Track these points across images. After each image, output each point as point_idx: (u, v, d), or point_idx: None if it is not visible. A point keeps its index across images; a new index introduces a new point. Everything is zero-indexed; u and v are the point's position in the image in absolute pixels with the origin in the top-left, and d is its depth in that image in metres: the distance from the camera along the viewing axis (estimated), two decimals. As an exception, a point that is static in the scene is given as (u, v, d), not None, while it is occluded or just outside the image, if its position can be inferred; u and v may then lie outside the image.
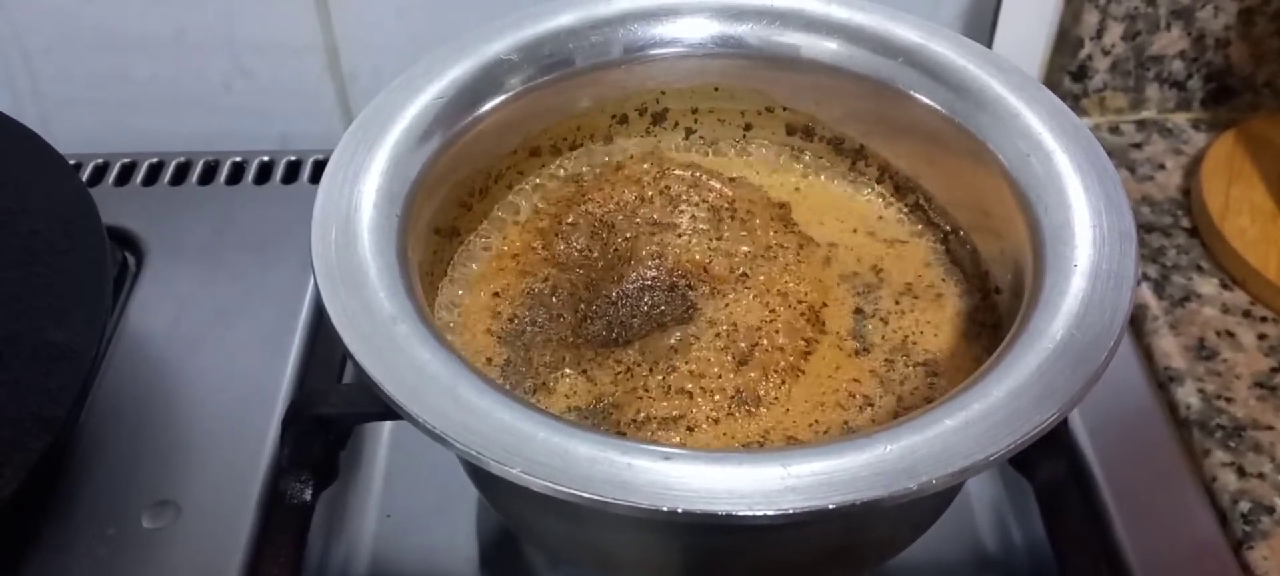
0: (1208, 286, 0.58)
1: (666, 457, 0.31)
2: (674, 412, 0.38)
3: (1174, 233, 0.61)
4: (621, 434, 0.38)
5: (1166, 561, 0.46)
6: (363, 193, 0.38)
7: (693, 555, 0.38)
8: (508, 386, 0.40)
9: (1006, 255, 0.41)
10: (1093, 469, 0.49)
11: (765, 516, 0.30)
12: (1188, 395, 0.53)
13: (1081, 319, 0.34)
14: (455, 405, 0.32)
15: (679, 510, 0.30)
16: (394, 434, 0.54)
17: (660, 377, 0.39)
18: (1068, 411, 0.32)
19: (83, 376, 0.45)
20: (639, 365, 0.40)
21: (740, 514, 0.30)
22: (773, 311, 0.41)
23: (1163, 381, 0.54)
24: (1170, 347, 0.55)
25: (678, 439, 0.38)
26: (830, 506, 0.30)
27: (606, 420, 0.38)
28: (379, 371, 0.33)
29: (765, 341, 0.40)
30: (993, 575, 0.49)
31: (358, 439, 0.53)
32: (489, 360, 0.41)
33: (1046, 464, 0.47)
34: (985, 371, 0.33)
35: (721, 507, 0.30)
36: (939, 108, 0.44)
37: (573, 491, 0.30)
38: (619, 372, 0.40)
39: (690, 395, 0.38)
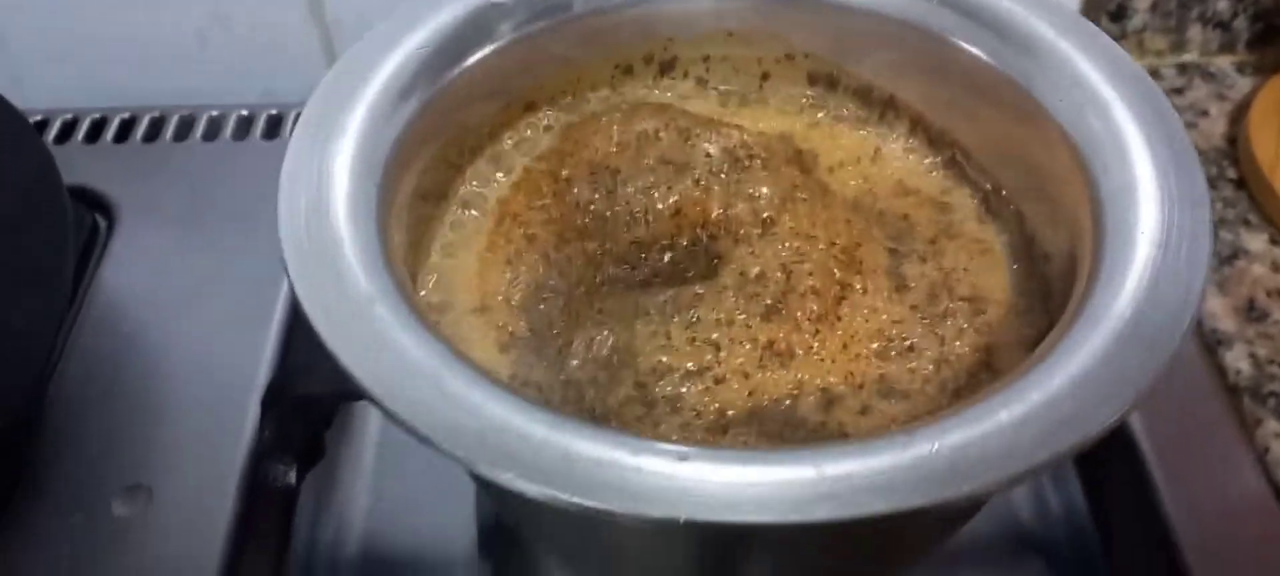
0: (1257, 242, 0.55)
1: (682, 458, 0.28)
2: (700, 365, 0.35)
3: (1219, 185, 0.59)
4: (642, 386, 0.35)
5: (1217, 534, 0.44)
6: (336, 158, 0.35)
7: (708, 561, 0.35)
8: (531, 355, 0.37)
9: (1059, 218, 0.37)
10: (1138, 437, 0.46)
11: (795, 525, 0.27)
12: (1237, 359, 0.50)
13: (1151, 294, 0.31)
14: (441, 398, 0.29)
15: (697, 520, 0.27)
16: (384, 411, 0.52)
17: (684, 329, 0.36)
18: (1141, 402, 0.28)
19: (39, 366, 0.43)
20: (661, 317, 0.37)
21: (766, 521, 0.27)
22: (802, 255, 0.38)
23: (1210, 344, 0.51)
24: (1218, 308, 0.52)
25: (704, 392, 0.35)
26: (871, 515, 0.26)
27: (627, 372, 0.36)
28: (353, 360, 0.30)
29: (797, 286, 0.37)
30: (1030, 548, 0.48)
31: (346, 414, 0.51)
32: (512, 333, 0.38)
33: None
34: (1043, 354, 0.30)
35: (745, 516, 0.27)
36: (981, 54, 0.40)
37: (575, 500, 0.27)
38: (641, 326, 0.37)
39: (717, 347, 0.36)
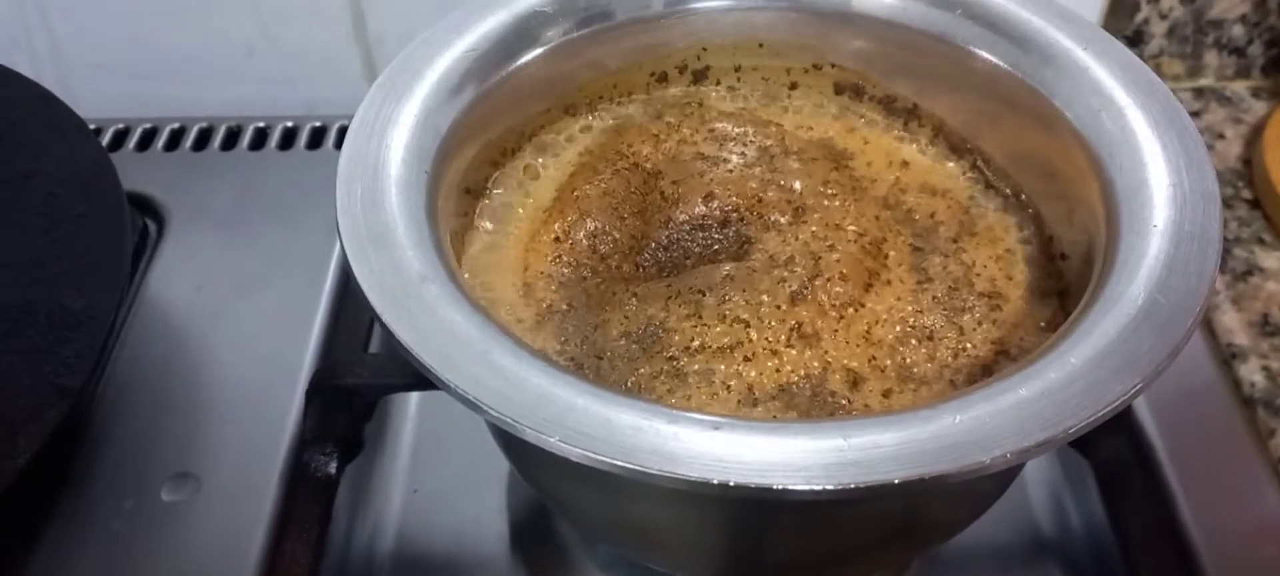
0: (1271, 260, 0.56)
1: (716, 427, 0.29)
2: (730, 342, 0.36)
3: (1235, 204, 0.59)
4: (673, 360, 0.36)
5: (1233, 542, 0.44)
6: (391, 147, 0.36)
7: (737, 536, 0.36)
8: (568, 330, 0.38)
9: (1075, 218, 0.38)
10: (1156, 449, 0.47)
11: (824, 492, 0.28)
12: (1252, 373, 0.51)
13: (1164, 282, 0.32)
14: (489, 370, 0.30)
15: (730, 483, 0.28)
16: (421, 405, 0.53)
17: (716, 307, 0.37)
18: (1152, 381, 0.29)
19: (100, 344, 0.44)
20: (694, 296, 0.38)
21: (796, 488, 0.28)
22: (831, 245, 0.39)
23: (1226, 358, 0.52)
24: (1233, 324, 0.53)
25: (734, 368, 0.36)
26: (895, 481, 0.27)
27: (659, 346, 0.37)
28: (408, 334, 0.31)
29: (825, 272, 0.38)
30: (1050, 558, 0.48)
31: (384, 410, 0.52)
32: (549, 307, 0.39)
33: (1107, 443, 0.46)
34: (1060, 338, 0.31)
35: (776, 481, 0.28)
36: (1001, 63, 0.41)
37: (615, 462, 0.28)
38: (674, 304, 0.38)
39: (746, 324, 0.37)
